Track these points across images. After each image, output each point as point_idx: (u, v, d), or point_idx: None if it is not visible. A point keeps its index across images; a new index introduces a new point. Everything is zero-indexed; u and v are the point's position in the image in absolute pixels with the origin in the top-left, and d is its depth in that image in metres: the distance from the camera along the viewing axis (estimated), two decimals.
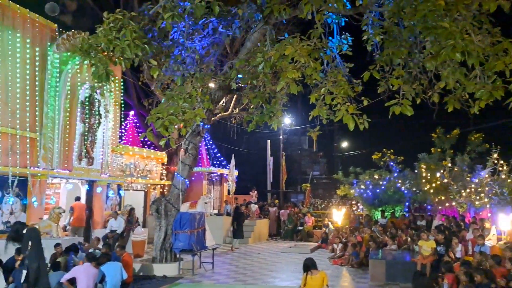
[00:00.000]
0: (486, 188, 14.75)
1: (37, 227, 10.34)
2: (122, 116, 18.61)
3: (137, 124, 21.80)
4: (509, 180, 14.63)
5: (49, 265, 9.36)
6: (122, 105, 17.97)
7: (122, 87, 18.04)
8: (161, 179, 20.65)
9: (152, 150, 20.06)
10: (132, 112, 21.66)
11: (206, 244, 12.79)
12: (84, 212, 14.79)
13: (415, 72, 7.46)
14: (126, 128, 20.92)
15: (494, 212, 14.37)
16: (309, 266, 7.99)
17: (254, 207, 21.37)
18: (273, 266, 12.75)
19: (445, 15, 6.00)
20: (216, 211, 22.20)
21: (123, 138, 19.85)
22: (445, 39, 5.76)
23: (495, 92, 6.10)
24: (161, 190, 20.43)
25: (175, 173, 12.58)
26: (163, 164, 20.93)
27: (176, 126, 8.01)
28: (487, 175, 15.13)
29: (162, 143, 7.82)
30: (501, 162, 15.23)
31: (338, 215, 19.13)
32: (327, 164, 42.21)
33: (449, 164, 16.88)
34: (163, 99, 9.11)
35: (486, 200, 14.58)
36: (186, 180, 12.05)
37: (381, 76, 7.31)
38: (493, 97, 6.18)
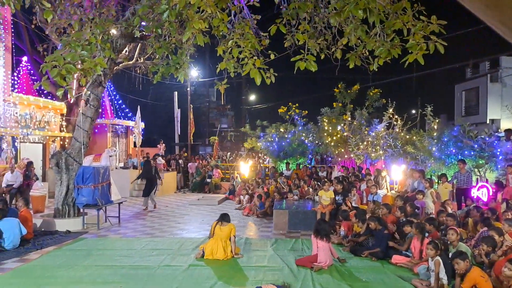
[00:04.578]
0: (382, 141, 15.94)
1: None
2: (14, 62, 16.97)
3: (31, 72, 20.01)
4: (402, 134, 15.93)
5: None
6: (14, 51, 16.35)
7: (12, 30, 16.33)
8: (60, 131, 19.44)
9: (49, 100, 18.65)
10: (25, 58, 19.75)
11: (112, 198, 12.46)
12: None
13: (320, 27, 7.63)
14: (19, 76, 19.13)
15: (388, 163, 15.66)
16: (222, 217, 8.25)
17: (160, 160, 21.16)
18: (181, 218, 12.85)
19: None
20: (122, 164, 21.61)
21: (16, 86, 18.17)
22: None
23: (393, 50, 6.47)
24: (61, 142, 19.27)
25: (76, 125, 11.90)
26: (62, 115, 19.64)
27: (75, 76, 7.47)
28: (382, 129, 16.29)
29: (59, 93, 7.25)
30: (396, 116, 16.48)
31: (245, 168, 19.61)
32: (235, 116, 42.67)
33: (349, 118, 17.93)
34: (60, 45, 8.40)
35: (381, 152, 15.80)
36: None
37: (288, 30, 7.38)
38: (391, 55, 6.55)
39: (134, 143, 22.26)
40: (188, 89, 27.34)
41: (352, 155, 17.22)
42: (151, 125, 28.09)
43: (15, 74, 18.21)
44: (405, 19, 6.25)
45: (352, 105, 18.46)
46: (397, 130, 16.21)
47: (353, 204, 11.13)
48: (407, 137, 15.77)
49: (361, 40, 7.06)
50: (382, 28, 6.59)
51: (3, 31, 15.11)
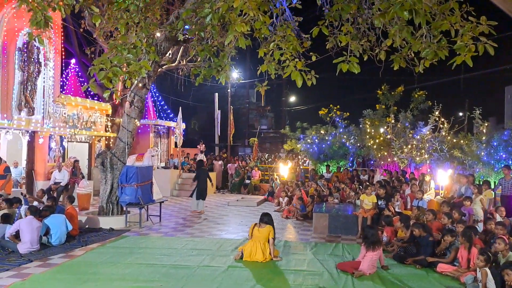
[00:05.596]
0: (427, 145, 15.45)
1: None
2: (63, 64, 17.68)
3: (79, 74, 20.78)
4: (449, 137, 15.38)
5: None
6: (63, 53, 17.03)
7: (62, 34, 17.03)
8: (106, 131, 20.07)
9: (96, 101, 19.32)
10: (73, 61, 20.56)
11: (153, 197, 12.73)
12: None
13: (364, 28, 7.48)
14: (68, 78, 19.91)
15: (434, 167, 15.16)
16: (263, 217, 8.23)
17: (201, 156, 21.44)
18: (220, 219, 12.95)
19: None
20: (163, 164, 22.06)
21: (65, 87, 18.92)
22: None
23: (440, 51, 6.23)
24: (106, 142, 19.89)
25: (121, 126, 12.25)
26: (107, 115, 20.29)
27: (120, 78, 7.67)
28: (428, 132, 15.80)
29: (106, 95, 7.49)
30: (442, 119, 15.93)
31: (284, 169, 19.55)
32: (274, 118, 42.63)
33: (393, 121, 17.51)
34: (106, 48, 8.67)
35: (426, 156, 15.31)
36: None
37: (330, 32, 7.28)
38: (437, 57, 6.32)
39: (175, 143, 22.66)
40: (229, 90, 27.57)
41: (395, 159, 16.79)
42: (192, 125, 28.52)
43: (64, 76, 18.97)
44: (452, 20, 6.02)
45: (395, 107, 18.00)
46: (444, 133, 15.67)
47: (397, 210, 10.84)
48: (454, 140, 15.22)
49: (406, 42, 6.86)
50: (429, 29, 6.38)
51: (53, 34, 15.75)
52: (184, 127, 22.68)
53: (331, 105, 19.97)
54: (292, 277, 7.11)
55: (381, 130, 17.47)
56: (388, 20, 6.44)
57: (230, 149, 27.56)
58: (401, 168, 16.52)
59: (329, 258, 8.38)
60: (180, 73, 14.97)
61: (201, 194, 14.19)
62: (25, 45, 14.49)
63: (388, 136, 17.08)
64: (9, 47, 13.83)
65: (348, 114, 19.89)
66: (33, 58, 14.89)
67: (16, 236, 8.48)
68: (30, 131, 15.16)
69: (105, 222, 11.20)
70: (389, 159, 17.58)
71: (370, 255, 7.34)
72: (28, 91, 14.70)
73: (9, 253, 8.24)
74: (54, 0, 7.68)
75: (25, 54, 14.53)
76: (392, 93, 18.06)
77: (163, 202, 13.17)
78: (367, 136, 17.70)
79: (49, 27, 7.79)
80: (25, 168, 15.51)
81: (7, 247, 8.43)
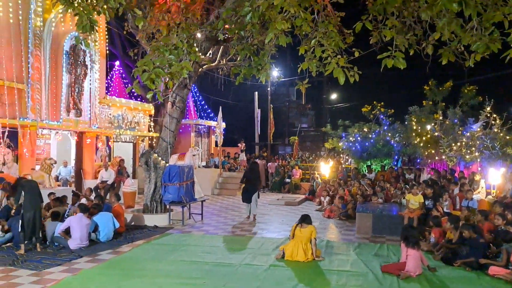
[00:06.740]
0: (477, 142, 14.76)
1: (29, 177, 10.37)
2: (108, 66, 18.21)
3: (123, 75, 21.38)
4: (501, 134, 14.62)
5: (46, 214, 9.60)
6: (108, 56, 17.54)
7: (106, 37, 17.53)
8: (149, 131, 20.55)
9: (139, 102, 19.83)
10: (117, 63, 21.19)
11: (195, 196, 12.89)
12: None
13: (410, 22, 7.22)
14: (112, 79, 20.53)
15: (484, 166, 14.46)
16: (303, 219, 8.14)
17: (243, 157, 21.53)
18: (261, 218, 12.93)
19: None
20: (204, 163, 22.31)
21: (110, 89, 19.51)
22: None
23: (492, 44, 5.89)
24: (150, 142, 20.36)
25: (163, 126, 12.48)
26: (150, 116, 20.76)
27: (162, 79, 7.79)
28: (479, 129, 15.09)
29: (149, 96, 7.62)
30: (494, 115, 15.14)
31: (325, 168, 19.31)
32: (315, 116, 42.16)
33: (441, 117, 16.83)
34: (149, 49, 8.83)
35: (476, 154, 14.63)
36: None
37: (374, 27, 7.07)
38: (489, 50, 5.97)
39: (216, 142, 22.88)
40: (269, 89, 27.53)
41: (443, 157, 16.13)
42: (232, 125, 28.67)
43: (109, 77, 19.55)
44: (506, 11, 5.68)
45: (444, 103, 17.30)
46: (496, 130, 14.89)
47: (445, 210, 10.43)
48: (507, 137, 14.43)
49: (455, 35, 6.55)
50: (480, 21, 6.06)
51: (98, 38, 16.25)
52: (224, 126, 22.85)
53: (374, 102, 19.50)
54: (335, 278, 6.98)
55: (428, 127, 16.82)
56: (435, 13, 6.18)
57: (270, 148, 27.53)
58: (450, 167, 15.87)
59: (373, 259, 8.18)
60: (220, 73, 15.06)
61: (246, 196, 12.80)
62: (72, 49, 15.01)
63: (436, 134, 16.42)
64: (57, 51, 14.36)
65: (392, 111, 19.36)
66: (80, 61, 15.42)
67: (67, 232, 8.81)
68: (78, 132, 15.72)
69: (150, 220, 11.45)
70: (436, 158, 16.91)
71: (413, 254, 7.10)
72: (75, 93, 15.24)
73: (60, 249, 8.58)
74: (99, 4, 7.88)
75: (72, 57, 15.05)
76: (440, 88, 17.39)
77: (204, 200, 13.31)
78: (413, 134, 17.10)
79: (94, 31, 8.02)
80: (74, 168, 16.11)
81: (58, 243, 8.80)
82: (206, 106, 26.19)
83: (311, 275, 7.14)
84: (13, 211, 9.47)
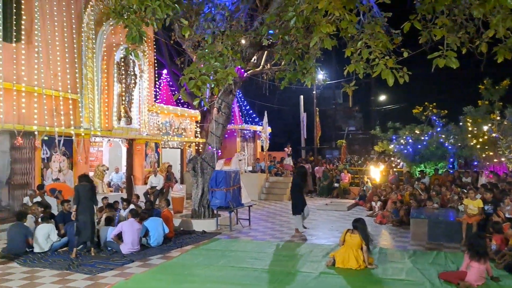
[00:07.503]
0: None
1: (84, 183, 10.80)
2: (156, 75, 18.71)
3: (170, 83, 21.89)
4: None
5: (98, 219, 9.93)
6: (155, 65, 18.03)
7: (154, 46, 18.03)
8: (195, 137, 20.91)
9: (186, 109, 20.25)
10: (165, 71, 21.72)
11: (242, 201, 12.93)
12: None
13: (461, 20, 6.92)
14: (160, 87, 21.07)
15: None
16: (356, 226, 7.93)
17: (289, 161, 21.39)
18: (309, 223, 12.74)
19: None
20: (250, 168, 22.37)
21: (157, 97, 20.03)
22: None
23: None
24: (196, 147, 20.70)
25: (209, 132, 12.65)
26: (197, 122, 21.13)
27: (208, 86, 7.90)
28: None
29: (195, 103, 7.76)
30: None
31: (376, 172, 18.84)
32: (363, 118, 41.28)
33: (498, 117, 16.02)
34: (195, 57, 8.99)
35: None
36: (214, 149, 12.09)
37: (423, 26, 6.83)
38: None
39: (262, 147, 22.91)
40: (314, 92, 27.29)
41: (503, 159, 15.32)
42: (278, 129, 28.62)
43: (157, 86, 20.09)
44: None
45: (501, 103, 16.47)
46: None
47: (507, 215, 9.84)
48: None
49: (511, 31, 6.22)
50: None
51: (147, 48, 16.76)
52: (270, 131, 22.85)
53: (426, 103, 18.86)
54: (390, 287, 6.76)
55: (485, 128, 16.06)
56: (488, 10, 5.89)
57: (316, 152, 27.26)
58: (510, 169, 15.03)
59: (430, 267, 7.82)
60: (265, 78, 15.11)
61: (294, 207, 11.38)
62: (122, 59, 15.55)
63: (494, 135, 15.64)
64: (108, 62, 14.93)
65: (446, 112, 18.63)
66: (130, 71, 15.95)
67: (119, 237, 9.08)
68: (128, 139, 16.24)
69: (198, 225, 11.59)
70: (495, 160, 16.08)
71: (477, 266, 6.71)
72: (126, 102, 15.77)
73: (113, 253, 8.85)
74: (147, 16, 8.12)
75: (122, 68, 15.59)
76: (496, 87, 16.59)
77: (251, 206, 13.33)
78: (469, 135, 16.37)
79: (143, 42, 8.25)
80: (125, 174, 16.64)
81: (111, 247, 9.08)
82: (251, 111, 26.33)
83: (365, 283, 6.95)
84: (72, 215, 9.83)
